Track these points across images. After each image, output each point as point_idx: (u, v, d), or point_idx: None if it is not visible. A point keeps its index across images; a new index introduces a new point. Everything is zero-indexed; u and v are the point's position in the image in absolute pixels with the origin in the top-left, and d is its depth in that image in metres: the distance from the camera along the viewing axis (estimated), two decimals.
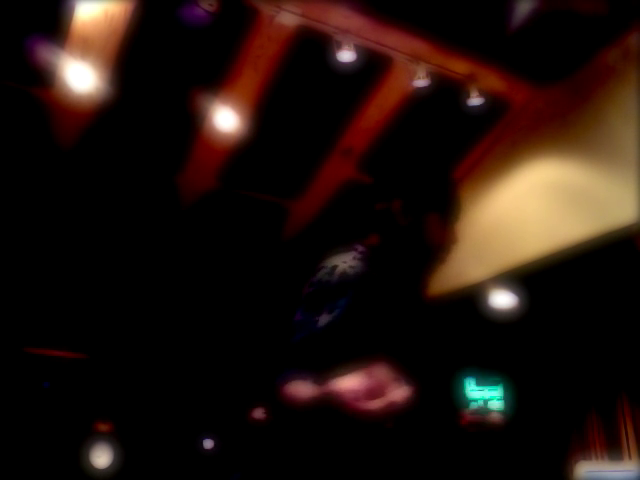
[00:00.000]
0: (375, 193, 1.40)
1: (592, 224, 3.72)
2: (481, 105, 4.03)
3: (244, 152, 4.19)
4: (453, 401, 1.44)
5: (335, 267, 1.24)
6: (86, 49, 3.49)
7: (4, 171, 4.01)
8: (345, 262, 1.25)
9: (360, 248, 1.32)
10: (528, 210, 4.21)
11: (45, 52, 3.44)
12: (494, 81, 4.06)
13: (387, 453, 1.18)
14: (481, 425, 1.37)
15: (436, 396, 1.23)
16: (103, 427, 4.58)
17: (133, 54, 3.56)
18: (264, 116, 4.01)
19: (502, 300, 4.95)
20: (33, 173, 4.14)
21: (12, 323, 4.40)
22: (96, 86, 3.58)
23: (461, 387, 6.06)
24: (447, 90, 4.01)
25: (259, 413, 4.56)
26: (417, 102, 4.09)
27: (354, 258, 1.26)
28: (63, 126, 3.92)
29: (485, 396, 5.97)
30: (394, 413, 1.04)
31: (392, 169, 1.44)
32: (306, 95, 4.03)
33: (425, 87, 3.86)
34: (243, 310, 4.94)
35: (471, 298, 4.81)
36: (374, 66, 3.86)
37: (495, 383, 5.97)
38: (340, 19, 3.50)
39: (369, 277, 1.24)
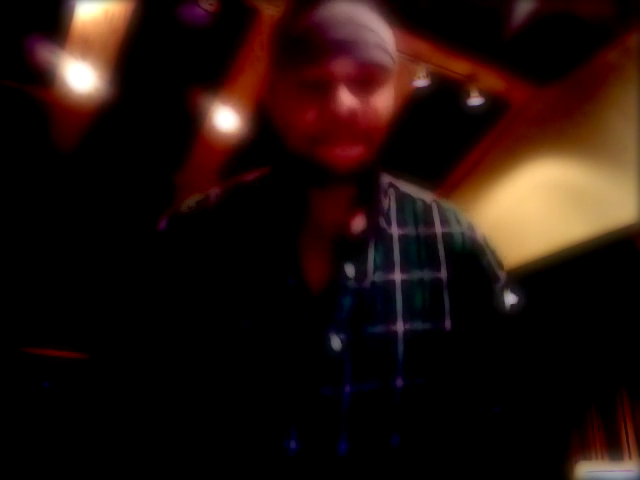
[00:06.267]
0: None
1: (592, 224, 3.72)
2: (481, 105, 4.04)
3: (244, 152, 4.19)
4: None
5: None
6: (86, 49, 3.49)
7: (3, 170, 4.01)
8: None
9: None
10: (528, 210, 4.22)
11: (45, 52, 3.44)
12: (494, 81, 4.06)
13: None
14: None
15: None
16: None
17: (133, 54, 3.56)
18: (264, 116, 4.01)
19: None
20: (32, 172, 4.14)
21: (12, 323, 4.40)
22: (96, 86, 3.58)
23: None
24: (447, 90, 4.01)
25: None
26: (417, 102, 4.09)
27: None
28: (63, 126, 3.92)
29: None
30: None
31: None
32: None
33: (425, 87, 3.86)
34: None
35: None
36: None
37: None
38: None
39: None
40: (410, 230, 0.89)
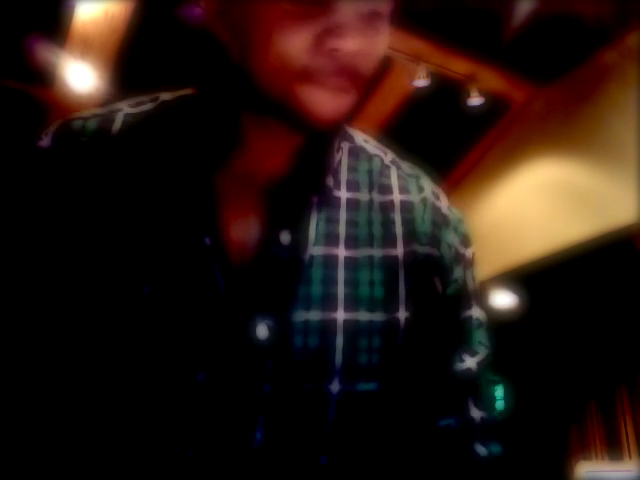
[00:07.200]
0: None
1: (592, 224, 3.72)
2: (481, 105, 4.04)
3: None
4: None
5: None
6: (86, 49, 3.49)
7: (2, 170, 4.01)
8: None
9: None
10: (528, 210, 4.22)
11: (45, 52, 3.44)
12: (494, 81, 4.06)
13: None
14: None
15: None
16: None
17: (133, 54, 3.56)
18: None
19: (502, 300, 4.96)
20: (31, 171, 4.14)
21: None
22: (96, 86, 3.59)
23: None
24: (447, 90, 4.01)
25: None
26: (417, 102, 4.09)
27: None
28: None
29: None
30: None
31: None
32: None
33: (425, 87, 3.87)
34: None
35: None
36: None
37: (495, 383, 5.98)
38: None
39: None
40: (362, 195, 0.70)
